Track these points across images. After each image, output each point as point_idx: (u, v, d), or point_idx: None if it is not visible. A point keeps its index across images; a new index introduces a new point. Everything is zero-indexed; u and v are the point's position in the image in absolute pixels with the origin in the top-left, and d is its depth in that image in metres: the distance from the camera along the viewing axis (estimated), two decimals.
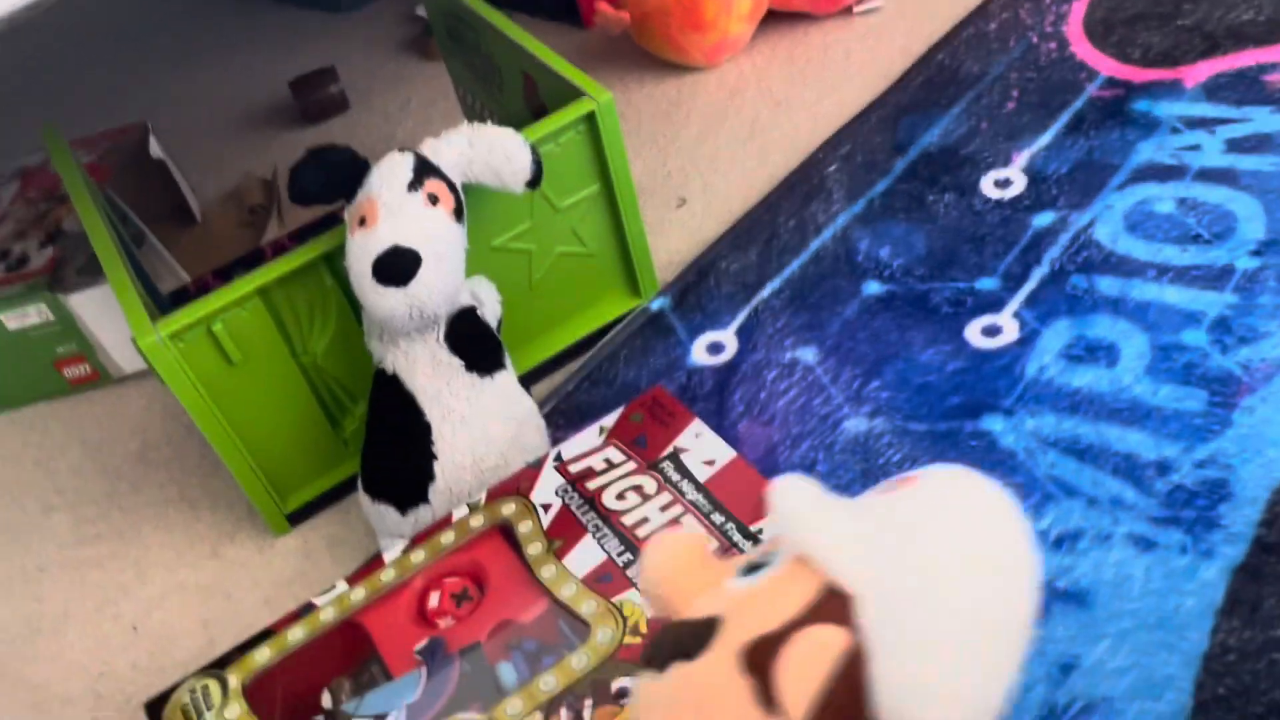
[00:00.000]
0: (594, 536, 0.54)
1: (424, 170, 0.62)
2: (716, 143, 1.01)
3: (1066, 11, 0.99)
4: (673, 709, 0.31)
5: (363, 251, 0.61)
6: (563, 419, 0.76)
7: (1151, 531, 0.57)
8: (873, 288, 0.78)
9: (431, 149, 0.64)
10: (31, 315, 0.90)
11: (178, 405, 0.90)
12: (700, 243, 0.90)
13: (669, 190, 0.97)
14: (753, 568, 0.33)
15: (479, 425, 0.65)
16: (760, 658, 0.30)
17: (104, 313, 0.90)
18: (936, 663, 0.30)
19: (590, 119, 0.73)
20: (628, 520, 0.54)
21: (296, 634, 0.54)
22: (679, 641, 0.32)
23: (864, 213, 0.85)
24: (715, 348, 0.77)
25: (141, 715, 0.66)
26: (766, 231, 0.86)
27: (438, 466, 0.64)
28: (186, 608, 0.73)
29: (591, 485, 0.57)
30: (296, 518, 0.76)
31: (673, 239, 0.91)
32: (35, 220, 0.98)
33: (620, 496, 0.55)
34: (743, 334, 0.78)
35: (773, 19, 1.12)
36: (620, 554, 0.53)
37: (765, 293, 0.80)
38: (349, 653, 0.53)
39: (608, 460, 0.58)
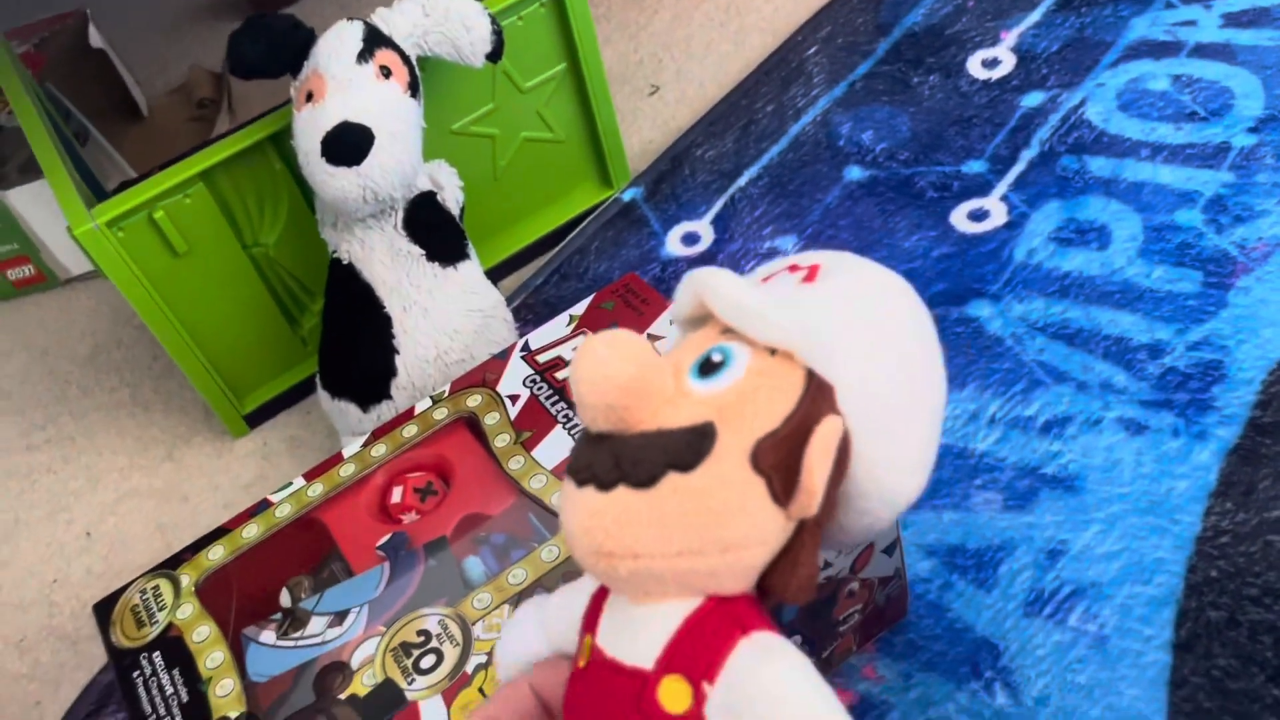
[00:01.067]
0: (564, 427, 0.51)
1: (375, 40, 0.58)
2: (690, 27, 0.96)
3: None
4: (673, 521, 0.29)
5: (310, 128, 0.56)
6: (531, 314, 0.73)
7: (1143, 415, 0.55)
8: (855, 173, 0.74)
9: (383, 18, 0.60)
10: None
11: (129, 306, 0.86)
12: (674, 131, 0.86)
13: (640, 78, 0.92)
14: (708, 366, 0.31)
15: (442, 317, 0.62)
16: (773, 456, 0.30)
17: (48, 211, 0.86)
18: (904, 436, 0.33)
19: None
20: None
21: (251, 531, 0.51)
22: (670, 451, 0.29)
23: (845, 96, 0.81)
24: (690, 238, 0.74)
25: None
26: (744, 118, 0.82)
27: (399, 361, 0.61)
28: (141, 512, 0.70)
29: (561, 375, 0.54)
30: (255, 419, 0.73)
31: (645, 128, 0.87)
32: None
33: None
34: (718, 223, 0.74)
35: None
36: None
37: (742, 180, 0.77)
38: (307, 550, 0.51)
39: (577, 349, 0.55)
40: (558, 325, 0.57)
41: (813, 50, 0.86)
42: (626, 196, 0.79)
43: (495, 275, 0.74)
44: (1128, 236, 0.64)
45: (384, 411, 0.62)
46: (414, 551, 0.48)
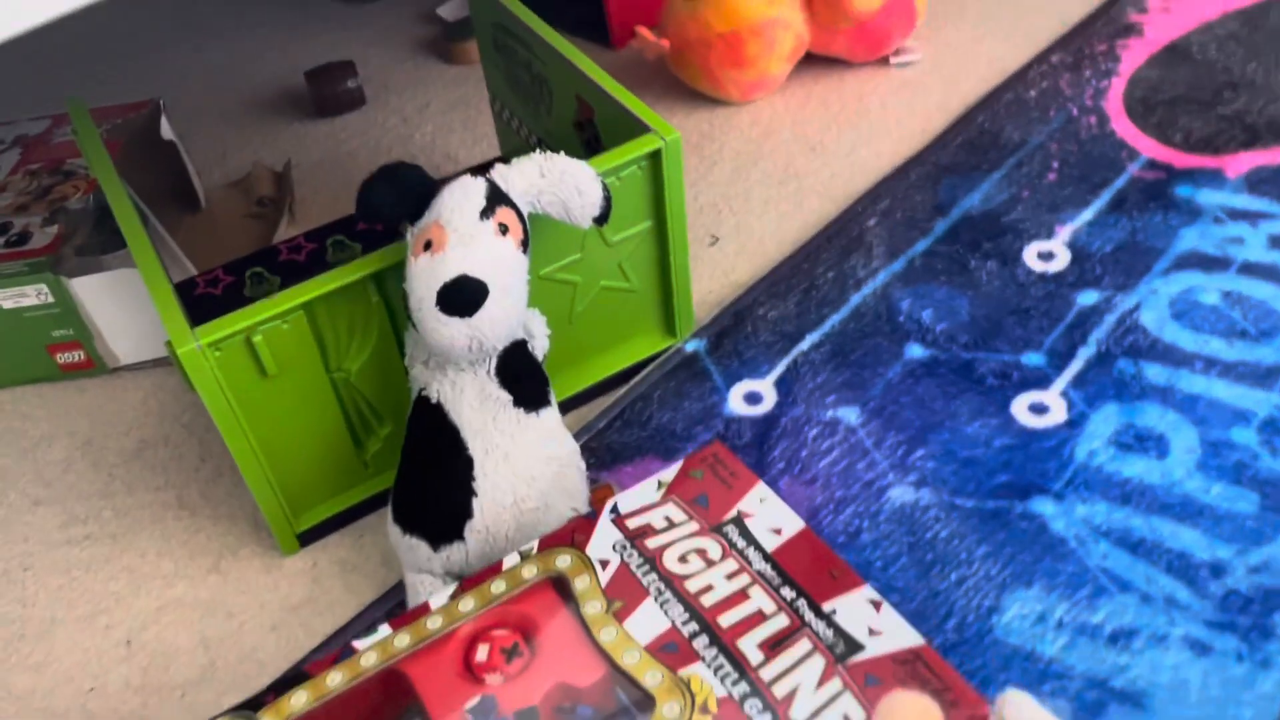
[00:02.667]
0: (656, 600, 0.52)
1: (496, 198, 0.60)
2: (749, 182, 1.00)
3: (1106, 87, 1.00)
4: None
5: (428, 277, 0.58)
6: (593, 458, 0.74)
7: (1207, 635, 0.57)
8: (915, 351, 0.77)
9: (501, 175, 0.62)
10: (29, 295, 0.85)
11: (178, 403, 0.87)
12: (733, 284, 0.88)
13: (700, 226, 0.95)
14: None
15: (522, 464, 0.63)
16: None
17: (107, 300, 0.86)
18: None
19: (654, 156, 0.71)
20: (691, 586, 0.52)
21: (335, 679, 0.51)
22: None
23: (905, 271, 0.84)
24: (753, 397, 0.76)
25: None
26: (805, 281, 0.85)
27: (476, 504, 0.62)
28: (184, 624, 0.70)
29: (651, 544, 0.55)
30: (307, 537, 0.73)
31: (704, 277, 0.90)
32: (38, 195, 0.93)
33: (683, 559, 0.54)
34: (781, 386, 0.76)
35: (808, 62, 1.11)
36: (685, 622, 0.51)
37: (805, 345, 0.79)
38: (389, 703, 0.51)
39: (668, 518, 0.56)
40: (647, 490, 0.58)
41: (872, 222, 0.89)
42: (689, 347, 0.81)
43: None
44: (1185, 449, 0.67)
45: (454, 552, 0.63)
46: (504, 718, 0.49)
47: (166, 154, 1.04)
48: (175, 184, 1.07)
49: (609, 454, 0.74)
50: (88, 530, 0.77)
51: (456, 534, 0.62)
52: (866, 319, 0.80)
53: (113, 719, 0.65)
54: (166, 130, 1.04)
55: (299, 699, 0.50)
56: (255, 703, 0.50)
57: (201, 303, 0.89)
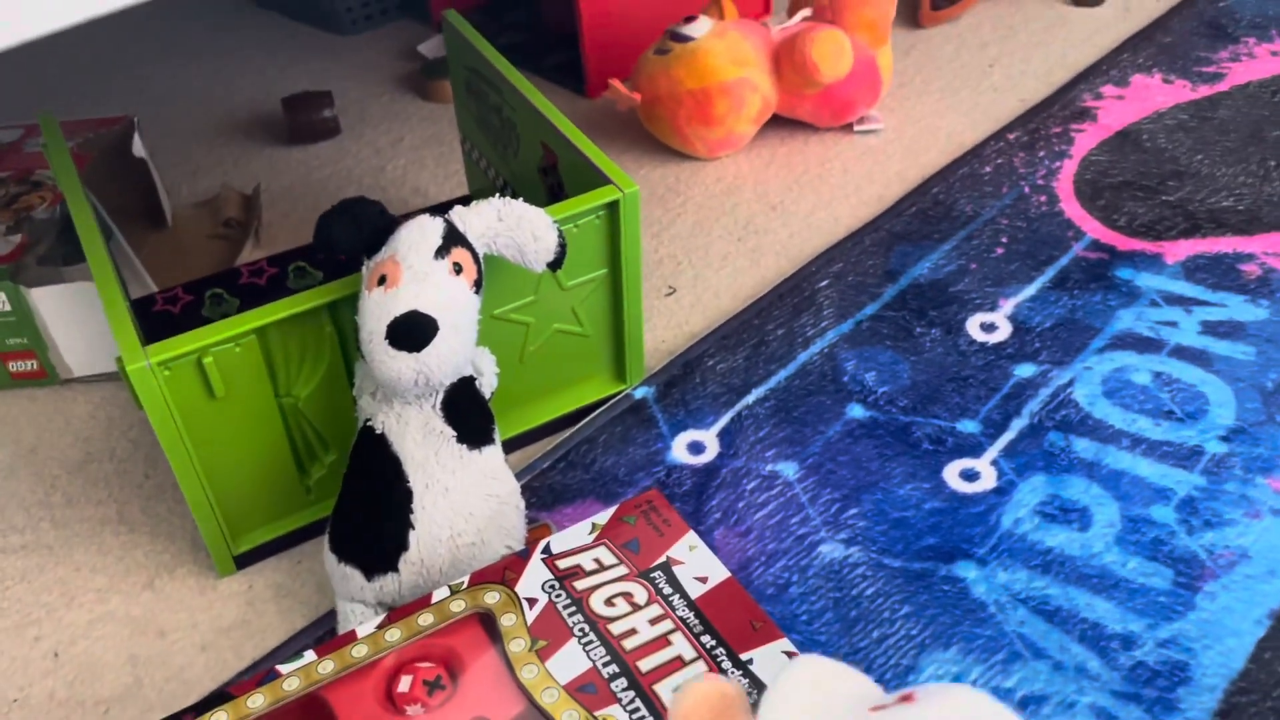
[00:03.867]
0: (579, 641, 0.53)
1: (452, 239, 0.62)
2: (709, 236, 1.02)
3: (1058, 168, 1.04)
4: None
5: (380, 311, 0.59)
6: (534, 497, 0.75)
7: (1113, 705, 0.59)
8: (856, 411, 0.79)
9: (460, 216, 0.64)
10: None
11: (126, 418, 0.87)
12: (686, 335, 0.90)
13: (659, 276, 0.98)
14: None
15: (461, 499, 0.64)
16: None
17: (65, 312, 0.87)
18: None
19: (612, 207, 0.73)
20: (615, 629, 0.53)
21: (257, 700, 0.51)
22: None
23: (852, 333, 0.86)
24: (696, 447, 0.78)
25: None
26: (755, 336, 0.87)
27: (413, 536, 0.63)
28: (114, 640, 0.70)
29: (580, 585, 0.56)
30: (244, 560, 0.73)
31: (658, 327, 0.91)
32: (4, 203, 0.94)
33: (609, 602, 0.55)
34: (724, 437, 0.78)
35: (774, 124, 1.14)
36: (605, 664, 0.52)
37: (750, 399, 0.81)
38: None
39: (598, 560, 0.57)
40: (579, 532, 0.59)
41: (824, 283, 0.92)
42: (638, 394, 0.82)
43: (504, 452, 0.76)
44: (1106, 522, 0.69)
45: (387, 583, 0.64)
46: None
47: (136, 170, 1.05)
48: (143, 201, 1.07)
49: (550, 494, 0.75)
50: (24, 540, 0.77)
51: (391, 565, 0.63)
52: (812, 377, 0.82)
53: None
54: (138, 147, 1.05)
55: (219, 719, 0.50)
56: None
57: (158, 320, 0.89)
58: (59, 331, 0.88)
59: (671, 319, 0.92)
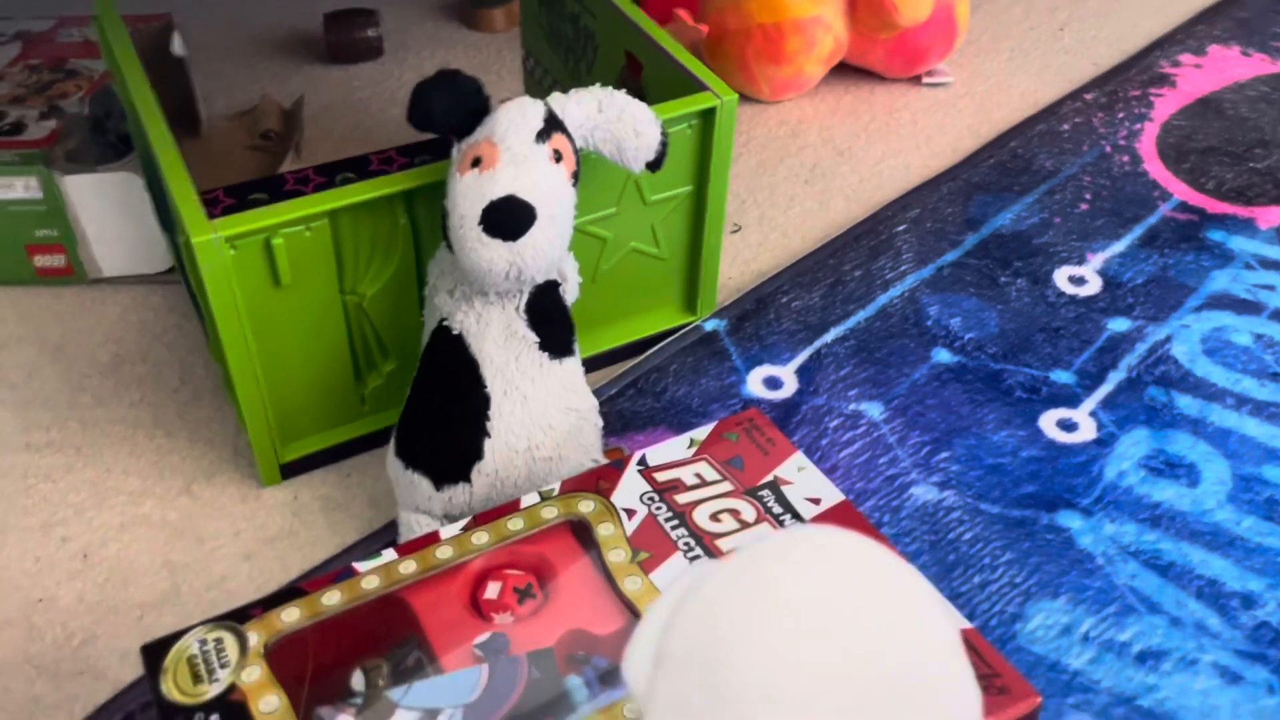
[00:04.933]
0: (685, 555, 0.49)
1: (553, 124, 0.57)
2: (774, 177, 0.98)
3: (1139, 130, 1.00)
4: None
5: (474, 195, 0.55)
6: (604, 423, 0.70)
7: (1238, 664, 0.55)
8: (943, 355, 0.75)
9: (558, 103, 0.59)
10: (17, 188, 0.80)
11: (160, 322, 0.82)
12: (754, 273, 0.86)
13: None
14: None
15: (540, 410, 0.59)
16: None
17: (99, 204, 0.81)
18: None
19: (707, 116, 0.68)
20: (724, 545, 0.49)
21: (332, 598, 0.47)
22: None
23: (933, 278, 0.82)
24: (773, 382, 0.73)
25: (84, 654, 0.58)
26: (831, 276, 0.82)
27: (489, 445, 0.58)
28: (149, 544, 0.65)
29: (681, 499, 0.52)
30: (290, 470, 0.68)
31: (725, 264, 0.87)
32: (36, 89, 0.88)
33: (715, 518, 0.50)
34: (803, 374, 0.74)
35: (839, 72, 1.10)
36: None
37: (828, 337, 0.77)
38: (388, 631, 0.46)
39: (699, 475, 0.53)
40: (678, 446, 0.55)
41: (902, 228, 0.87)
42: (709, 326, 0.78)
43: None
44: (1216, 479, 0.65)
45: (457, 494, 0.59)
46: (516, 659, 0.45)
47: (174, 71, 1.00)
48: (178, 104, 1.02)
49: (619, 420, 0.71)
50: (50, 438, 0.72)
51: (463, 475, 0.58)
52: (893, 319, 0.78)
53: (60, 632, 0.60)
54: (178, 46, 0.99)
55: (290, 615, 0.46)
56: (240, 615, 0.46)
57: None
58: (91, 226, 0.82)
59: (738, 256, 0.88)
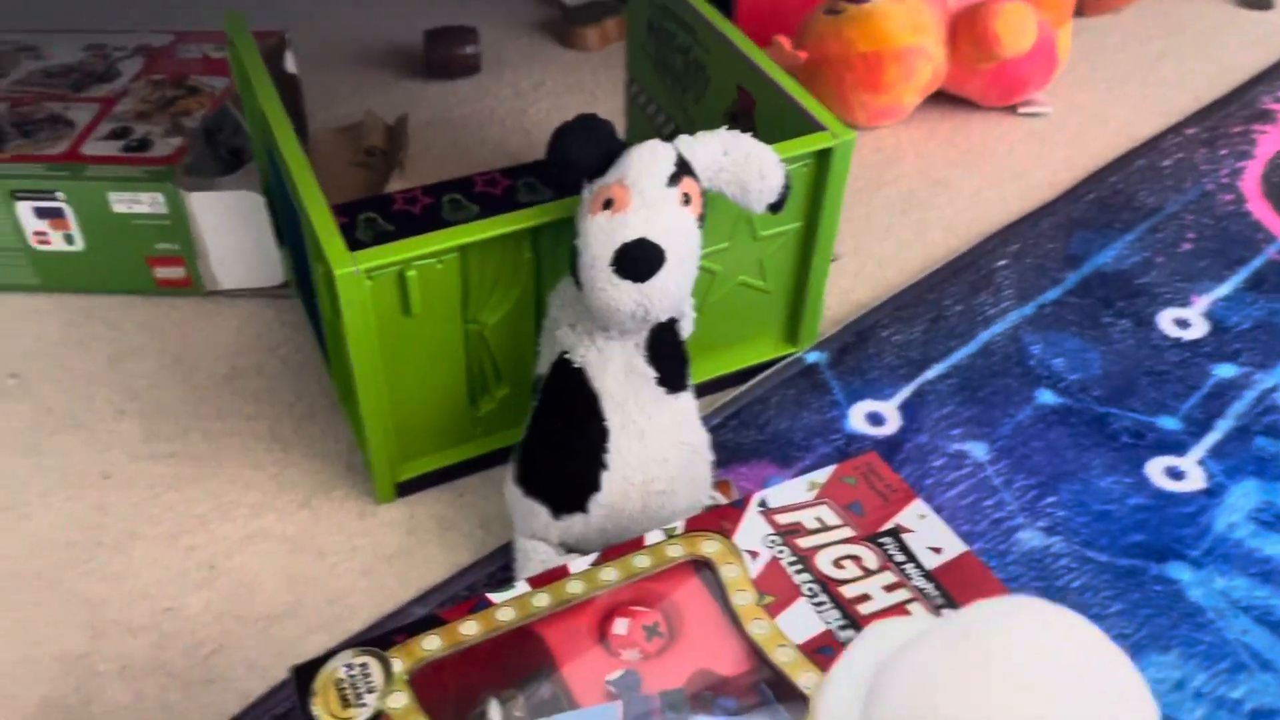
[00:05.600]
0: (810, 600, 0.50)
1: (683, 167, 0.58)
2: (870, 206, 0.98)
3: (1242, 168, 0.99)
4: None
5: (605, 236, 0.56)
6: None
7: None
8: (1047, 397, 0.75)
9: (685, 146, 0.60)
10: (143, 203, 0.83)
11: (275, 336, 0.84)
12: (851, 303, 0.87)
13: None
14: None
15: (656, 444, 0.60)
16: None
17: (221, 220, 0.84)
18: None
19: (823, 155, 0.69)
20: (847, 592, 0.50)
21: (470, 628, 0.48)
22: None
23: (1035, 316, 0.82)
24: (876, 418, 0.74)
25: (212, 663, 0.60)
26: (931, 310, 0.83)
27: (606, 477, 0.60)
28: (271, 556, 0.67)
29: (804, 543, 0.53)
30: (405, 489, 0.70)
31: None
32: (161, 105, 0.91)
33: (838, 564, 0.51)
34: (906, 410, 0.74)
35: (934, 100, 1.10)
36: (842, 628, 0.48)
37: (930, 374, 0.77)
38: (522, 662, 0.48)
39: (820, 519, 0.54)
40: (798, 488, 0.56)
41: (1002, 263, 0.88)
42: (810, 358, 0.79)
43: None
44: None
45: (574, 524, 0.61)
46: (649, 697, 0.46)
47: (286, 87, 1.03)
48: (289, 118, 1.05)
49: (722, 451, 0.72)
50: (173, 448, 0.75)
51: (580, 505, 0.60)
52: (995, 358, 0.78)
53: (190, 640, 0.62)
54: (290, 63, 1.02)
55: (431, 643, 0.48)
56: (383, 641, 0.48)
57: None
58: (212, 240, 0.85)
59: (835, 285, 0.89)
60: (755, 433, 0.73)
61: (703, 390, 0.78)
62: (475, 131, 1.10)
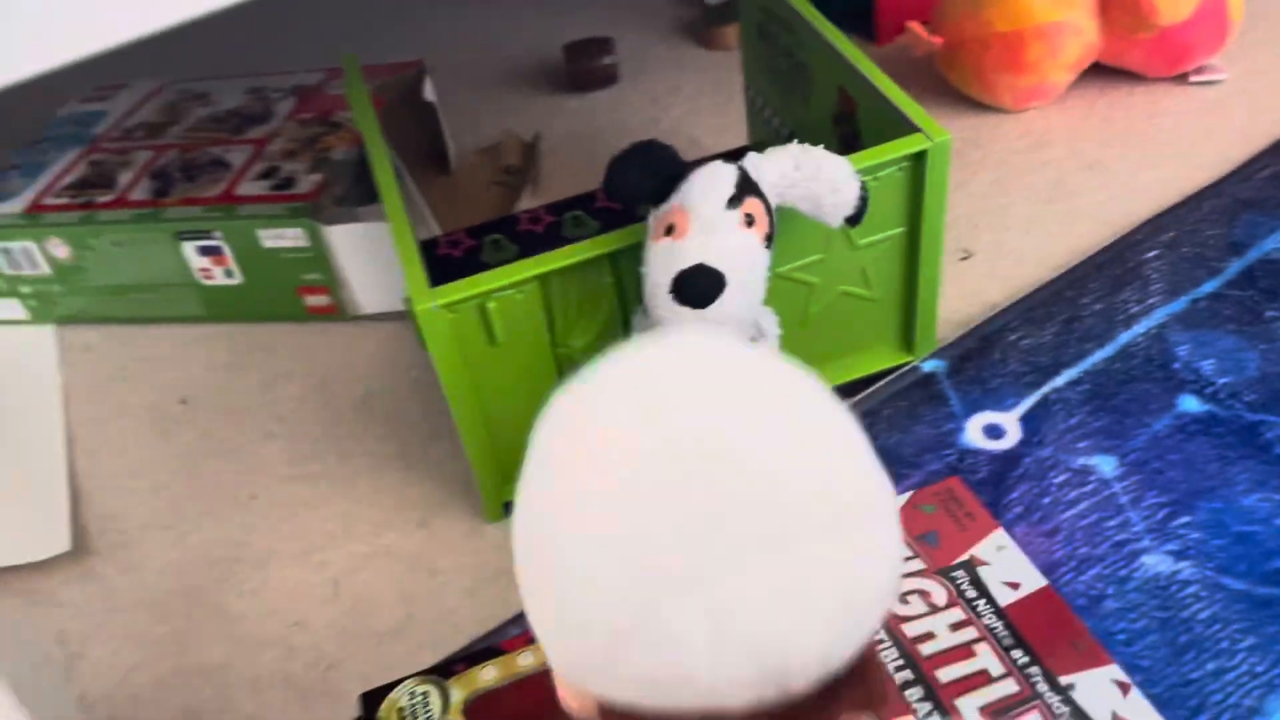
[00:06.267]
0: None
1: (745, 188, 0.57)
2: (1011, 196, 0.92)
3: None
4: None
5: (665, 262, 0.56)
6: None
7: None
8: (1190, 404, 0.68)
9: (753, 164, 0.59)
10: (288, 238, 0.89)
11: (408, 358, 0.89)
12: (983, 304, 0.82)
13: (951, 239, 0.89)
14: None
15: None
16: None
17: (357, 251, 0.89)
18: None
19: (919, 158, 0.66)
20: (909, 630, 0.48)
21: (527, 659, 0.49)
22: None
23: (1186, 313, 0.75)
24: (994, 430, 0.70)
25: (329, 678, 0.64)
26: (1067, 310, 0.77)
27: None
28: (389, 574, 0.71)
29: None
30: (511, 508, 0.72)
31: (950, 295, 0.83)
32: (306, 143, 0.98)
33: (903, 599, 0.49)
34: (1028, 422, 0.70)
35: (1094, 72, 1.01)
36: (899, 669, 0.46)
37: (1059, 380, 0.72)
38: None
39: None
40: None
41: (1153, 254, 0.80)
42: (927, 367, 0.75)
43: None
44: None
45: None
46: None
47: (425, 115, 1.08)
48: (430, 145, 1.10)
49: None
50: (311, 470, 0.80)
51: None
52: (1135, 361, 0.72)
53: (312, 655, 0.67)
54: (429, 92, 1.07)
55: (488, 673, 0.49)
56: (444, 670, 0.50)
57: (442, 262, 0.90)
58: (352, 269, 0.90)
59: (965, 285, 0.84)
60: None
61: None
62: (609, 143, 1.11)
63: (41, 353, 0.95)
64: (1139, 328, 0.74)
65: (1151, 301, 0.76)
